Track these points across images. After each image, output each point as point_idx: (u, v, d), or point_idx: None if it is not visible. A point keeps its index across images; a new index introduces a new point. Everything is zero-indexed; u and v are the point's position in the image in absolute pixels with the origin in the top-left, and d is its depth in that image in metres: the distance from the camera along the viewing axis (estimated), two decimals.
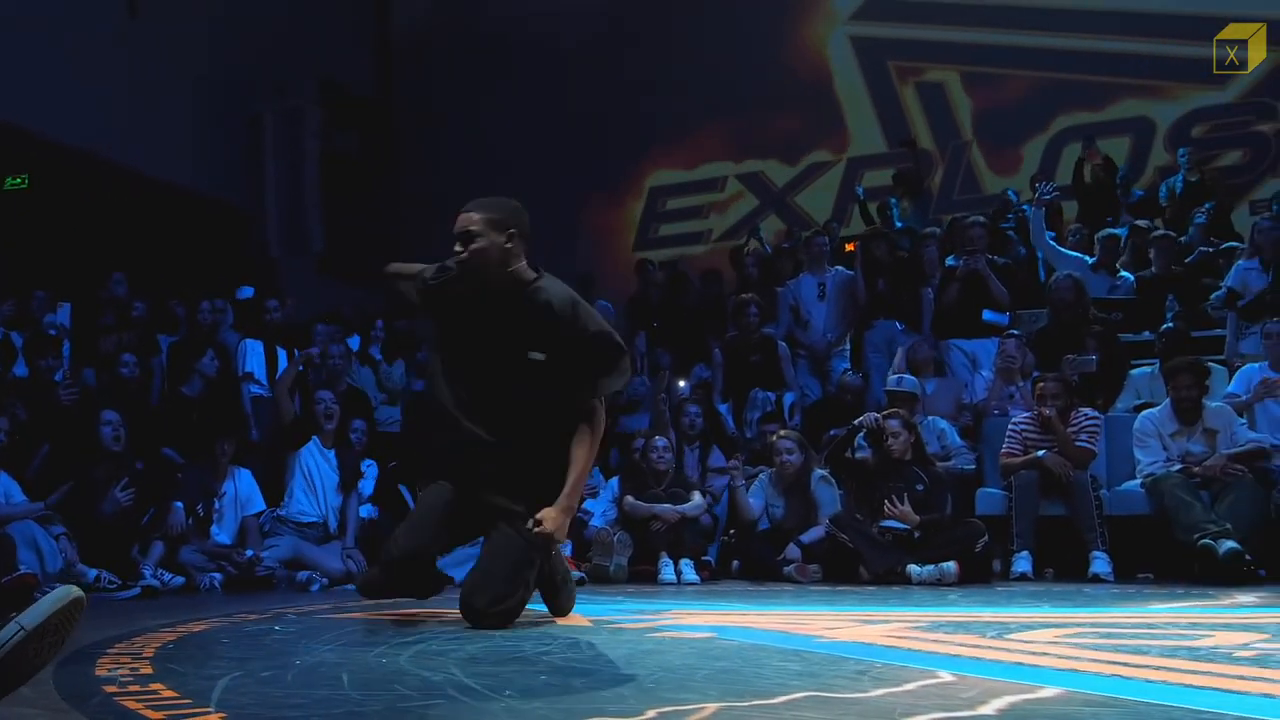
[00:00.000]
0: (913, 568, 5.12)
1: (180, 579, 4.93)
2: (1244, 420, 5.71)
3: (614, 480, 5.92)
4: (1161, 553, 5.49)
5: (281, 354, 6.26)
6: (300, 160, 9.38)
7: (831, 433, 6.11)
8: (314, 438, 5.45)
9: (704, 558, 5.65)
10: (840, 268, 7.70)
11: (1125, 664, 2.33)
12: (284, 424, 5.74)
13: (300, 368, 6.03)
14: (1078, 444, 5.68)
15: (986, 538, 5.28)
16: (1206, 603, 4.07)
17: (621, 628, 3.24)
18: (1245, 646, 2.62)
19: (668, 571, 5.36)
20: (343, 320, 7.50)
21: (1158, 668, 2.28)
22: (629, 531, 5.53)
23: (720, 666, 2.40)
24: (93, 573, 4.58)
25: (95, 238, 8.36)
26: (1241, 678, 2.12)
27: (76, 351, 6.16)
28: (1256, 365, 6.04)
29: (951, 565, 5.06)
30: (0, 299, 6.40)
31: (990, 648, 2.66)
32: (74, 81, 8.83)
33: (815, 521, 5.57)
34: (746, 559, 5.73)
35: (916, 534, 5.29)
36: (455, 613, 3.78)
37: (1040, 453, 5.67)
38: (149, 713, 1.95)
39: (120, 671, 2.43)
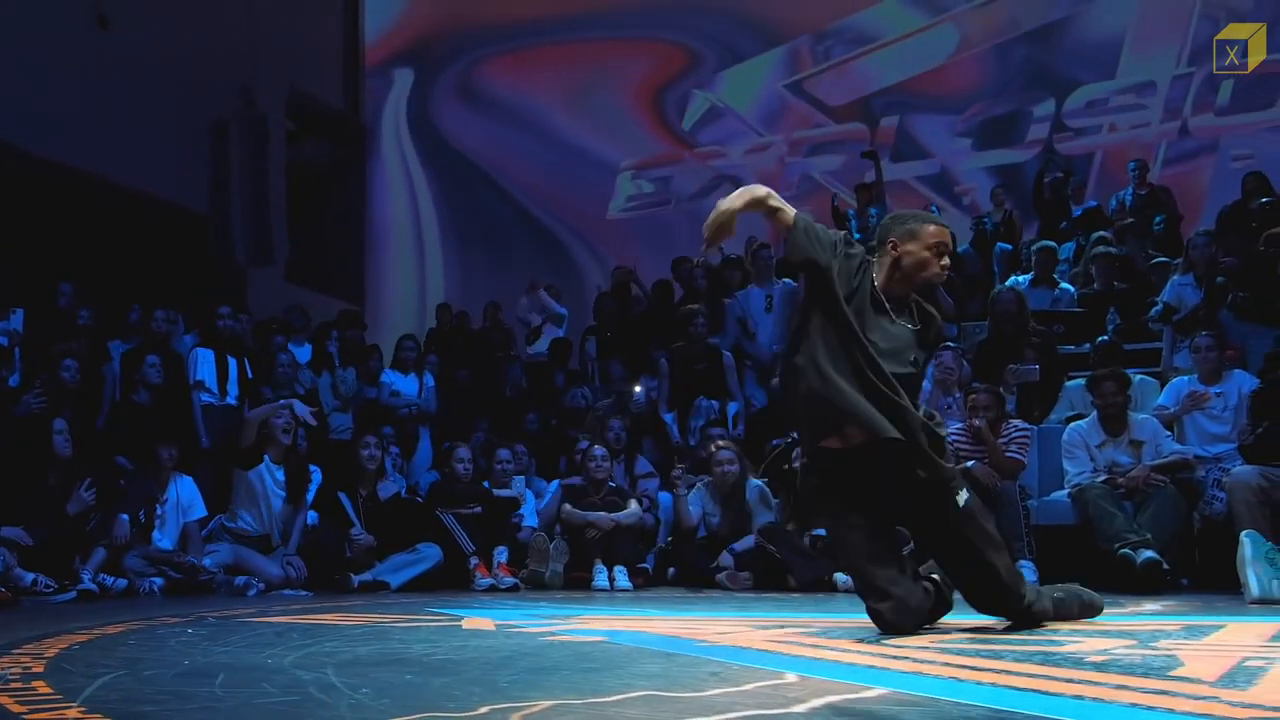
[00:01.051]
0: (839, 576, 5.20)
1: (124, 581, 4.98)
2: (1170, 433, 5.81)
3: (554, 484, 6.03)
4: (1088, 562, 5.56)
5: (232, 362, 6.32)
6: (266, 169, 9.45)
7: (774, 443, 6.20)
8: (265, 455, 5.50)
9: (640, 564, 5.72)
10: (788, 280, 7.78)
11: (970, 668, 2.40)
12: (242, 446, 5.68)
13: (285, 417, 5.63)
14: (1007, 455, 5.77)
15: (912, 545, 5.36)
16: (1110, 610, 4.14)
17: (521, 631, 3.31)
18: (1102, 652, 2.68)
19: (601, 578, 5.44)
20: (291, 328, 7.55)
21: (999, 671, 2.35)
22: (566, 539, 5.62)
23: (586, 667, 2.48)
24: (30, 576, 4.64)
25: (62, 245, 8.43)
26: (1070, 680, 2.18)
27: (29, 359, 6.18)
28: (1185, 379, 6.13)
29: None
30: None
31: (855, 651, 2.73)
32: (44, 92, 8.90)
33: (749, 530, 5.66)
34: (682, 566, 5.81)
35: None
36: (368, 617, 3.85)
37: (970, 463, 5.75)
38: (16, 707, 2.02)
39: (13, 670, 2.50)
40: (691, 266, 8.11)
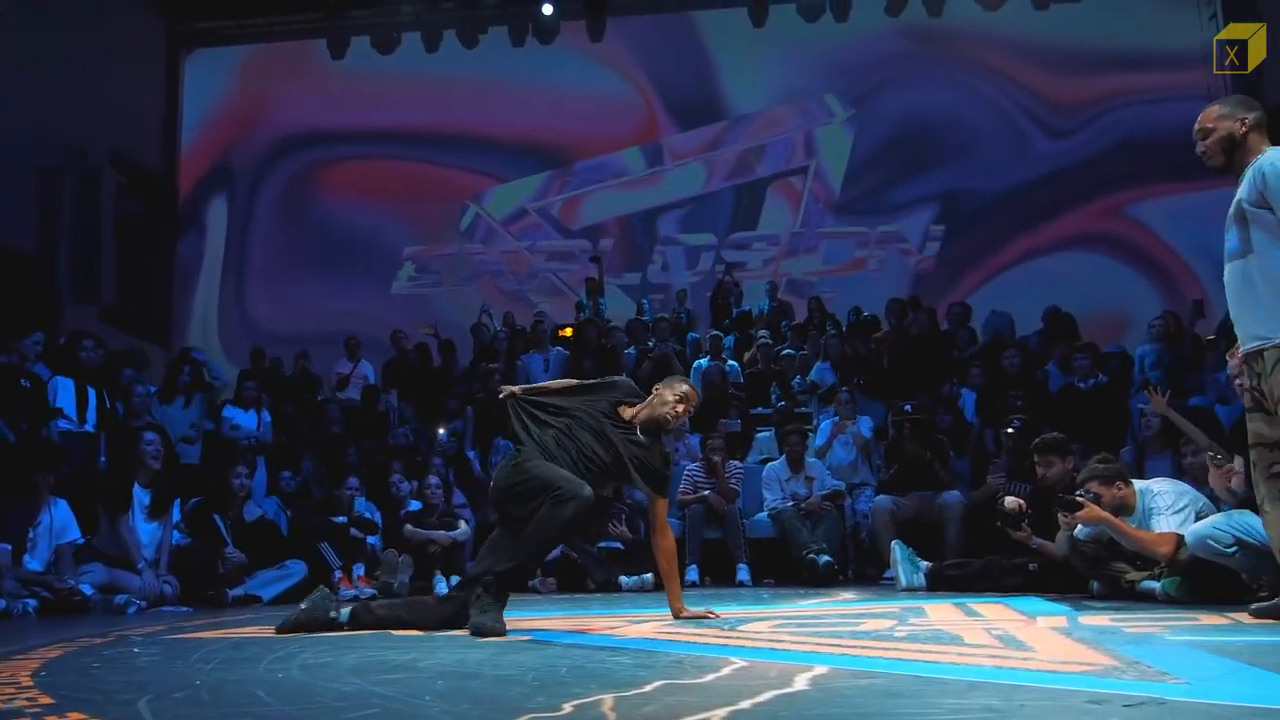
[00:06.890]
0: (624, 578, 5.27)
1: (1, 603, 3.89)
2: (829, 470, 6.52)
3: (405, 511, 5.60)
4: (785, 565, 6.07)
5: (91, 392, 5.21)
6: (96, 219, 7.93)
7: None
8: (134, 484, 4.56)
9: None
10: (559, 348, 7.88)
11: (868, 648, 2.37)
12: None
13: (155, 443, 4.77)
14: (730, 485, 6.19)
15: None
16: (827, 599, 4.44)
17: (457, 635, 3.02)
18: (891, 630, 2.77)
19: (441, 587, 5.09)
20: (135, 363, 6.40)
21: (868, 647, 2.37)
22: (410, 554, 5.21)
23: (571, 664, 2.22)
24: None
25: None
26: (923, 651, 2.24)
27: None
28: (829, 421, 6.93)
29: (649, 576, 5.27)
30: None
31: (743, 637, 2.69)
32: None
33: None
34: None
35: (624, 548, 5.47)
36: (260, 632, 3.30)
37: (705, 492, 6.11)
38: None
39: (18, 701, 1.88)
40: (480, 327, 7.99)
